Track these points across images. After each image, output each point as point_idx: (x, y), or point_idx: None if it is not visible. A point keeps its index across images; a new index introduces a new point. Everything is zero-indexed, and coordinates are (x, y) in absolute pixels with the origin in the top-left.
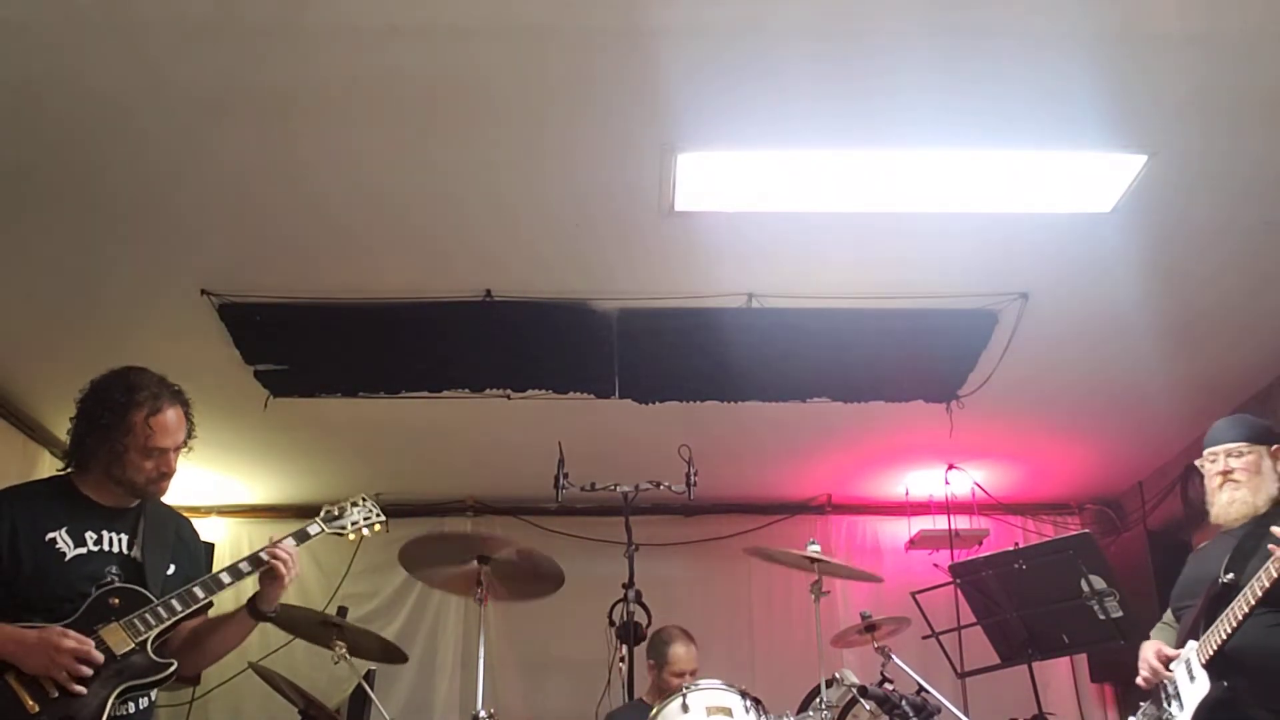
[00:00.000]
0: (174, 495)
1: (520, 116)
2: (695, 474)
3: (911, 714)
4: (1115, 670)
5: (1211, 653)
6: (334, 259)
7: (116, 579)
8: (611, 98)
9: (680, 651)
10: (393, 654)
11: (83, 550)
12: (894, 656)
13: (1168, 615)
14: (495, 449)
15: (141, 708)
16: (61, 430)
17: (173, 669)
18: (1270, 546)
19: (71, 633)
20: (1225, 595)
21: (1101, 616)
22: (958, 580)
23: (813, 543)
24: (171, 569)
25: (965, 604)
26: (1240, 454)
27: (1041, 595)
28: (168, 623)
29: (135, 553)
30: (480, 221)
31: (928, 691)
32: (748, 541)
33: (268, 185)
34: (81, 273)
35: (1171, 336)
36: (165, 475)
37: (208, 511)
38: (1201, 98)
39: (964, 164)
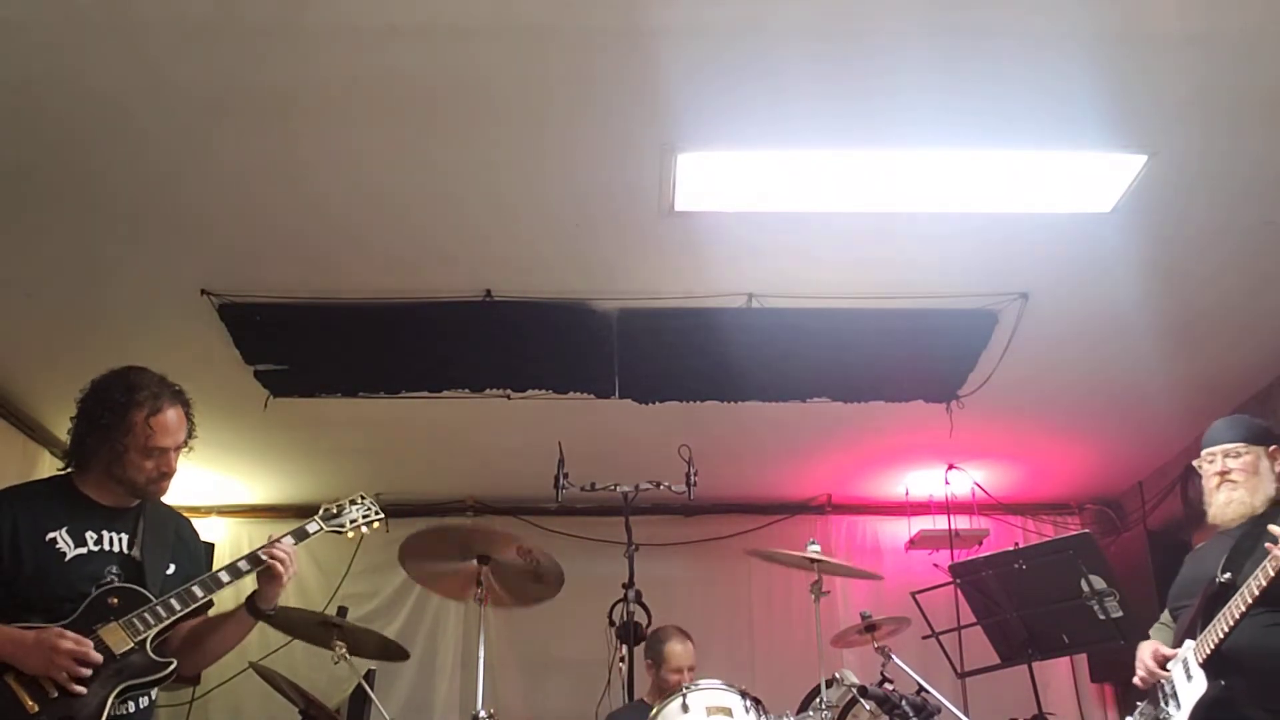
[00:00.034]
0: (174, 495)
1: (520, 116)
2: (695, 474)
3: (911, 714)
4: (1115, 670)
5: (1208, 652)
6: (334, 259)
7: (116, 579)
8: (611, 98)
9: (676, 648)
10: (393, 651)
11: (83, 550)
12: (894, 656)
13: (1165, 615)
14: (495, 449)
15: (141, 707)
16: (61, 430)
17: (172, 668)
18: (1268, 545)
19: (70, 633)
20: (1222, 595)
21: (1101, 616)
22: (958, 580)
23: (813, 543)
24: (171, 569)
25: (965, 604)
26: (1238, 454)
27: (1041, 595)
28: (167, 622)
29: (135, 552)
30: (480, 221)
31: (928, 691)
32: (748, 542)
33: (268, 185)
34: (81, 273)
35: (1171, 336)
36: (166, 475)
37: (208, 511)
38: (1201, 98)
39: (964, 164)
